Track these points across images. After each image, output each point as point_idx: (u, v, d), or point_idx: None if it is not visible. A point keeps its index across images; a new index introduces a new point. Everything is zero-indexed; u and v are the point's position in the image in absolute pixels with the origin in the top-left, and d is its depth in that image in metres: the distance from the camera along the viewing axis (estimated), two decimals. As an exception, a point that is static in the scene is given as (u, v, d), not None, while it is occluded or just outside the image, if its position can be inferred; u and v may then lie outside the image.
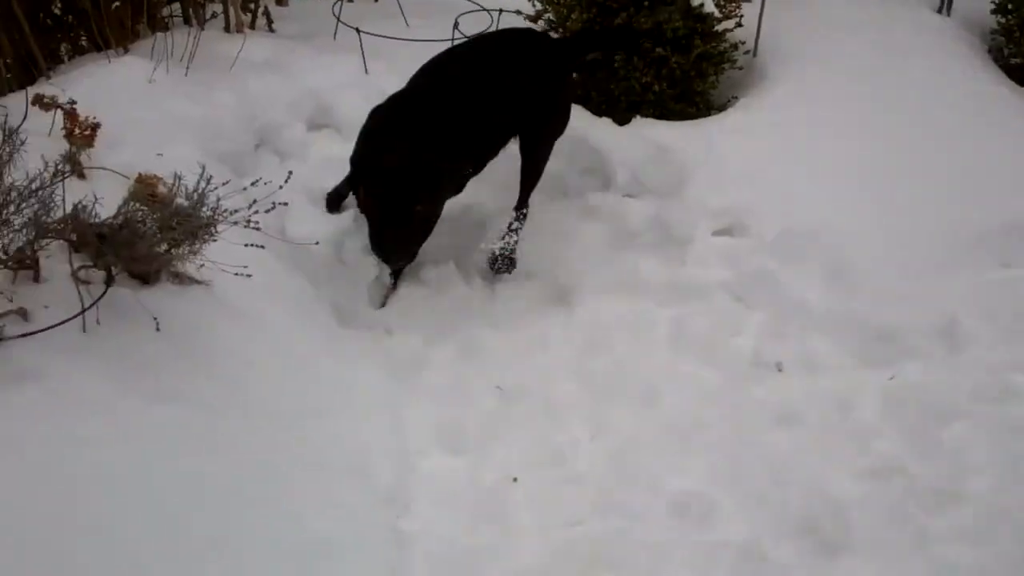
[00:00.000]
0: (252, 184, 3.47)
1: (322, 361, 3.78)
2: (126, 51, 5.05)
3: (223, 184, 3.32)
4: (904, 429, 3.82)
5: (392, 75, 5.22)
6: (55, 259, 3.14)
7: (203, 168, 3.32)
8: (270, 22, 5.73)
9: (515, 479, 3.59)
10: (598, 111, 5.21)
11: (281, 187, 3.35)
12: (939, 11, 5.84)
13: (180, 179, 3.34)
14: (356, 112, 5.05)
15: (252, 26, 5.71)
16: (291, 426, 3.35)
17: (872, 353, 4.15)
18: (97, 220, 3.10)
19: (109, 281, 3.19)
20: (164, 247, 3.34)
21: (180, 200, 3.31)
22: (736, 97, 5.45)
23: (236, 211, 3.29)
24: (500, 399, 3.98)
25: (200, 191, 3.31)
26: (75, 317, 2.95)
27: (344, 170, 4.46)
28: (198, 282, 3.52)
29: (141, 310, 3.17)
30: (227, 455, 3.03)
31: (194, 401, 3.08)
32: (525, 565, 3.27)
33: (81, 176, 3.75)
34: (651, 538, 3.37)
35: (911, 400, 3.92)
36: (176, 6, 5.66)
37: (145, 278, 3.42)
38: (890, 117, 5.05)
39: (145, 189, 3.57)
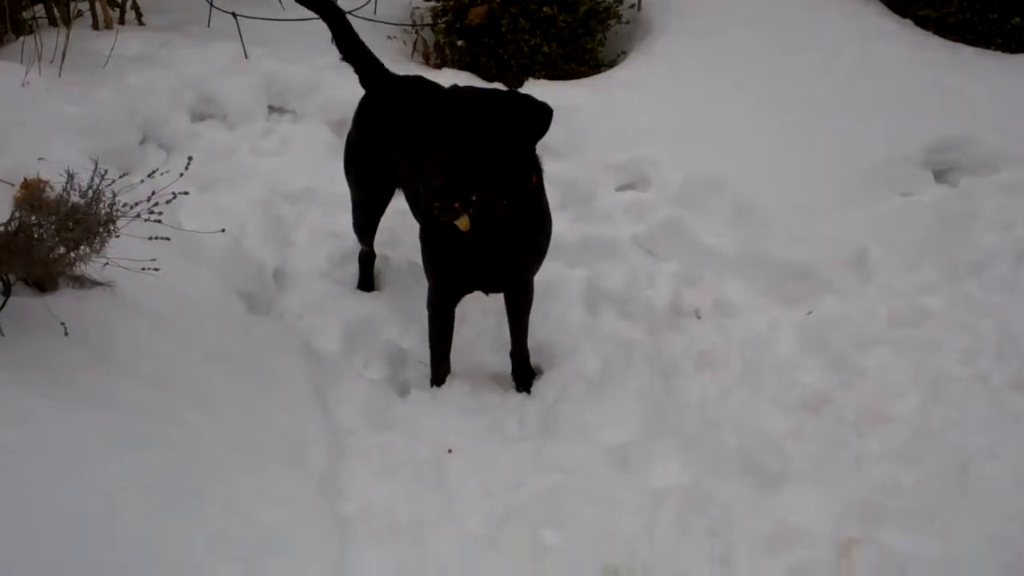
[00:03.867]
0: (149, 176, 3.32)
1: (239, 351, 3.65)
2: (-8, 58, 4.83)
3: (119, 177, 3.18)
4: (826, 360, 3.90)
5: (274, 58, 5.14)
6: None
7: (96, 163, 3.18)
8: (139, 15, 5.54)
9: (450, 450, 3.52)
10: (489, 76, 5.16)
11: (182, 175, 3.22)
12: (818, -50, 5.90)
13: (73, 176, 3.19)
14: (241, 98, 4.96)
15: (121, 21, 5.52)
16: (218, 419, 3.22)
17: (787, 291, 4.23)
18: (-13, 229, 2.94)
19: (7, 291, 3.03)
20: (63, 250, 3.18)
21: (75, 199, 3.16)
22: (625, 52, 5.45)
23: (136, 204, 3.14)
24: (423, 372, 3.90)
25: (95, 187, 3.17)
26: (-26, 330, 2.80)
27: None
28: (100, 284, 3.37)
29: (45, 317, 3.02)
30: (156, 454, 2.89)
31: (115, 403, 2.95)
32: (471, 531, 3.21)
33: (-38, 188, 3.56)
34: (593, 491, 3.35)
35: (830, 332, 4.01)
36: (40, 7, 5.42)
37: (44, 285, 3.26)
38: (780, 59, 5.12)
39: (32, 194, 3.41)
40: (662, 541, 3.17)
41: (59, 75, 4.65)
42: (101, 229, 3.18)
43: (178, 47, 5.16)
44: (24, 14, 5.30)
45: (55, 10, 5.29)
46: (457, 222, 3.38)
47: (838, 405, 3.68)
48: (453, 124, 3.20)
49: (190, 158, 3.35)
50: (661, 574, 3.06)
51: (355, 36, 4.08)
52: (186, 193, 3.32)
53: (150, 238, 3.18)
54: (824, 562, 3.07)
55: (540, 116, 3.42)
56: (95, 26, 5.36)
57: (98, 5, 5.33)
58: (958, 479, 3.32)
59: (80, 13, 5.44)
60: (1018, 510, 3.17)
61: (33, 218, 3.10)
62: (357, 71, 4.03)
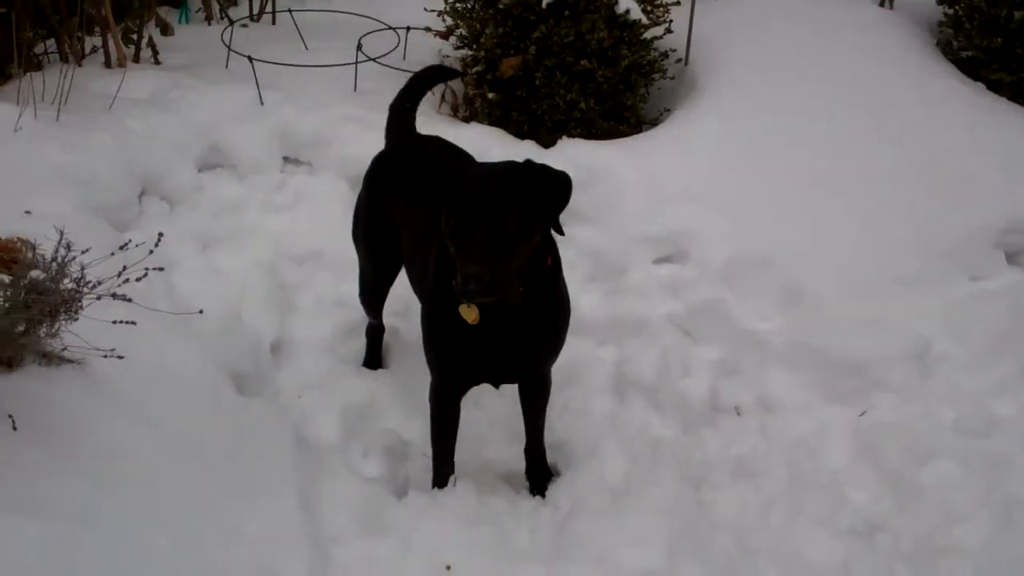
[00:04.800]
0: (122, 248, 2.99)
1: (219, 443, 3.29)
2: (-9, 97, 4.55)
3: (84, 252, 2.85)
4: (881, 474, 3.51)
5: (290, 104, 4.84)
6: None
7: (61, 233, 2.87)
8: (155, 54, 5.24)
9: (448, 567, 3.12)
10: (520, 133, 4.79)
11: (151, 252, 2.87)
12: (881, 4, 5.49)
13: (35, 248, 2.87)
14: (252, 148, 4.66)
15: (136, 59, 5.24)
16: (180, 528, 2.86)
17: (838, 387, 3.85)
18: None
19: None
20: (21, 328, 2.86)
21: (36, 273, 2.84)
22: (668, 110, 5.04)
23: (101, 282, 2.81)
24: (425, 466, 3.52)
25: (60, 259, 2.85)
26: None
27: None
28: (68, 361, 3.03)
29: (4, 403, 2.71)
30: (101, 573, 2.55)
31: (59, 510, 2.60)
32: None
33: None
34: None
35: (886, 439, 3.60)
36: (52, 42, 5.14)
37: (9, 361, 2.93)
38: (839, 123, 4.68)
39: (5, 256, 3.10)
40: None
41: (56, 118, 4.34)
42: (62, 310, 2.88)
43: (191, 89, 4.85)
44: (36, 49, 5.04)
45: (66, 45, 5.01)
46: (465, 314, 3.02)
47: (894, 532, 3.25)
48: (486, 204, 2.87)
49: (160, 234, 2.98)
50: None
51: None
52: (161, 269, 2.97)
53: (114, 322, 2.84)
54: None
55: (562, 189, 3.08)
56: (107, 64, 5.08)
57: (112, 41, 5.02)
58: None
59: (95, 49, 5.15)
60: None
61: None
62: (390, 121, 3.86)
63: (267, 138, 4.71)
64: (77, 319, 2.84)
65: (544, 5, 4.64)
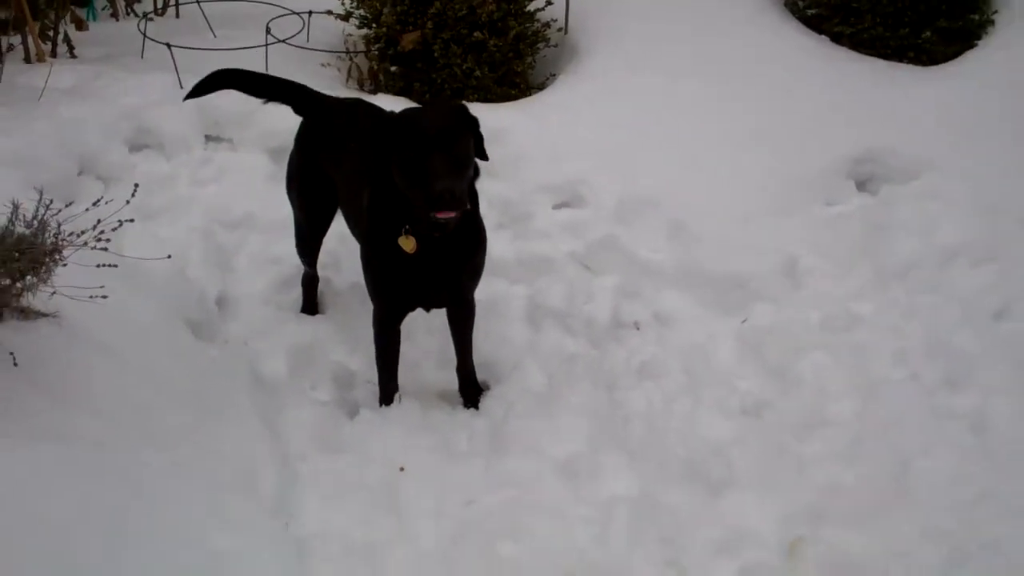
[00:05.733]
0: (94, 204, 3.34)
1: (186, 380, 3.67)
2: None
3: (65, 207, 3.20)
4: (764, 368, 4.04)
5: (210, 88, 5.14)
6: None
7: (41, 193, 3.20)
8: (71, 48, 5.51)
9: (402, 468, 3.57)
10: (422, 101, 5.23)
11: (128, 202, 3.24)
12: (734, -27, 6.08)
13: (18, 207, 3.20)
14: (176, 128, 4.98)
15: (53, 54, 5.49)
16: (167, 448, 3.24)
17: (722, 301, 4.37)
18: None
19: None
20: (7, 281, 3.19)
21: (20, 228, 3.17)
22: (554, 75, 5.56)
23: (82, 232, 3.16)
24: (372, 392, 3.95)
25: (40, 217, 3.18)
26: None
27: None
28: (45, 315, 3.36)
29: (-7, 350, 3.01)
30: (109, 484, 2.91)
31: (66, 436, 2.95)
32: (426, 550, 3.27)
33: None
34: (546, 504, 3.42)
35: (766, 340, 4.13)
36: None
37: (-11, 317, 3.25)
38: (705, 78, 5.26)
39: (-30, 227, 3.40)
40: (616, 549, 3.26)
41: (-9, 108, 4.64)
42: (47, 259, 3.22)
43: (112, 79, 5.14)
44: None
45: (-16, 45, 5.27)
46: (404, 244, 3.46)
47: (778, 411, 3.80)
48: (444, 134, 3.30)
49: (136, 185, 3.37)
50: (617, 580, 3.15)
51: (264, 77, 4.22)
52: (132, 220, 3.34)
53: (98, 266, 3.19)
54: (773, 562, 3.18)
55: (477, 125, 3.56)
56: (27, 59, 5.33)
57: (30, 39, 5.30)
58: (897, 477, 3.46)
59: (12, 47, 5.40)
60: (955, 504, 3.31)
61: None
62: (287, 103, 4.12)
63: (189, 119, 4.99)
64: (65, 265, 3.17)
65: (439, -18, 5.12)
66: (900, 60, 5.56)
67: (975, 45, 5.59)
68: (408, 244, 3.47)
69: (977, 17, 5.62)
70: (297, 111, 4.14)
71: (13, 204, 3.21)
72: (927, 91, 5.27)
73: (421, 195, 3.28)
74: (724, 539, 3.24)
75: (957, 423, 3.65)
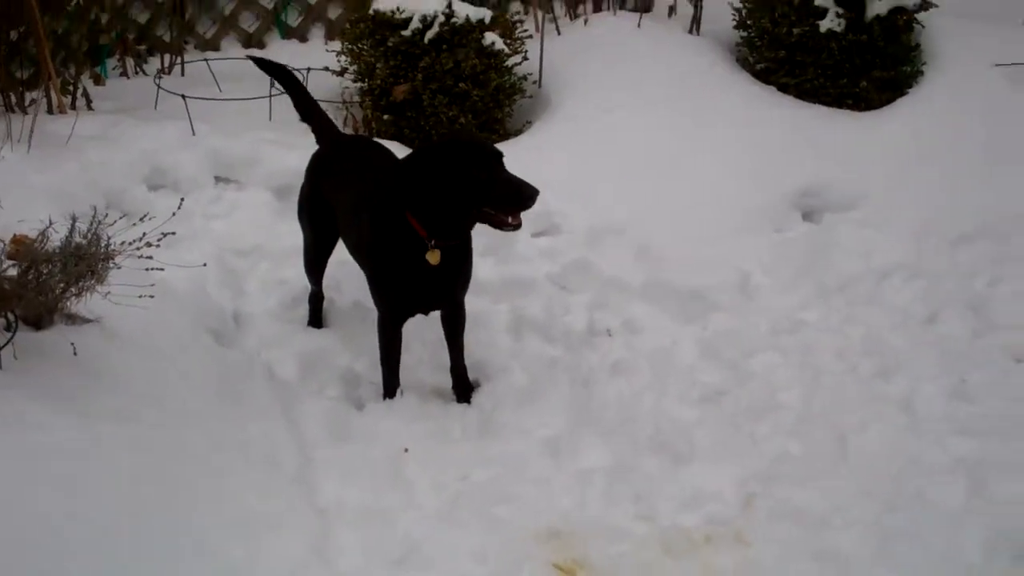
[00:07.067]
0: (141, 220, 3.85)
1: (212, 376, 4.14)
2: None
3: (117, 220, 3.70)
4: (722, 365, 4.56)
5: (218, 133, 5.70)
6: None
7: (95, 209, 3.69)
8: (89, 101, 6.06)
9: (406, 449, 4.05)
10: (412, 146, 5.76)
11: (174, 214, 3.76)
12: (690, 31, 6.75)
13: (76, 220, 3.68)
14: (189, 170, 5.50)
15: (73, 106, 6.02)
16: (203, 429, 3.74)
17: (684, 311, 4.93)
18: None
19: (14, 326, 3.49)
20: (62, 286, 3.66)
21: (78, 239, 3.66)
22: (529, 122, 6.18)
23: (132, 242, 3.66)
24: (376, 390, 4.43)
25: (94, 229, 3.67)
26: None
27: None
28: (89, 320, 3.83)
29: (48, 349, 3.51)
30: (160, 456, 3.38)
31: (119, 418, 3.42)
32: (431, 513, 3.74)
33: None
34: (531, 475, 3.91)
35: (723, 342, 4.67)
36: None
37: (39, 323, 3.72)
38: (666, 120, 5.90)
39: (22, 247, 3.88)
40: (594, 507, 3.74)
41: (27, 151, 5.15)
42: (100, 265, 3.70)
43: (130, 127, 5.67)
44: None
45: (12, 97, 5.79)
46: (431, 257, 4.03)
47: (734, 398, 4.33)
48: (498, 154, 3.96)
49: (182, 199, 3.89)
50: (596, 532, 3.63)
51: (311, 100, 4.77)
52: (174, 233, 3.84)
53: (147, 269, 3.68)
54: (731, 513, 3.68)
55: None
56: (49, 111, 5.86)
57: (53, 92, 5.83)
58: (837, 448, 3.98)
59: (34, 100, 5.93)
60: (886, 470, 3.84)
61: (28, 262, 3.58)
62: (313, 130, 4.67)
63: (201, 162, 5.55)
64: (119, 268, 3.66)
65: (427, 40, 5.71)
66: (840, 107, 6.19)
67: (906, 93, 6.21)
68: (435, 257, 4.03)
69: (908, 68, 6.26)
70: (318, 140, 4.73)
71: (72, 217, 3.71)
72: (864, 134, 5.94)
73: (503, 200, 3.90)
74: (689, 496, 3.73)
75: (889, 405, 4.20)
